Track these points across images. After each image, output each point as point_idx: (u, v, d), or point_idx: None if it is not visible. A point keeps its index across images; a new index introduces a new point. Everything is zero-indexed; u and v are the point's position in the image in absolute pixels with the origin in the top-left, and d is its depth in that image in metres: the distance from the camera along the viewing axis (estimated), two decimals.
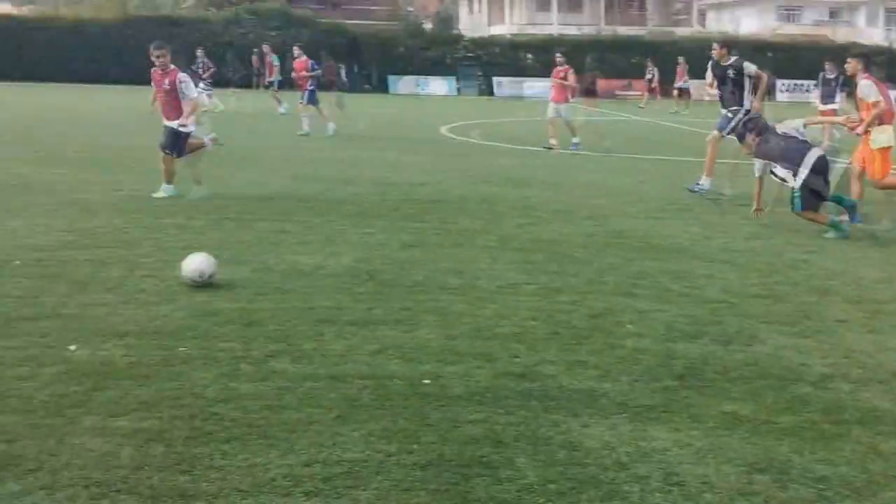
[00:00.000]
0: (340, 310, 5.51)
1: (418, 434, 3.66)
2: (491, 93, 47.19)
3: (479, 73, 48.81)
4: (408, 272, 6.59)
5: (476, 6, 64.72)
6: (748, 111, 10.86)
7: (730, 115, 11.13)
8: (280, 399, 4.01)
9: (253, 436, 3.59)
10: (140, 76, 28.10)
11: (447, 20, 65.16)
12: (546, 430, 3.74)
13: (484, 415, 3.89)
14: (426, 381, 4.28)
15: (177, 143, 9.98)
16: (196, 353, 4.58)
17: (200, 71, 26.25)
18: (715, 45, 11.62)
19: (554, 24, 56.38)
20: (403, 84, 47.30)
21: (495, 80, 48.01)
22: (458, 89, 48.15)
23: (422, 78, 47.65)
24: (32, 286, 5.79)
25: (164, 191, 9.89)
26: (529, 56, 47.80)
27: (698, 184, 11.26)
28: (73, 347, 4.60)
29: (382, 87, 46.93)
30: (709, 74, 12.14)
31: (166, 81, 9.93)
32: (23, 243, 7.16)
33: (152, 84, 10.32)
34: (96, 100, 29.99)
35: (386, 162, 14.40)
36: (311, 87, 19.98)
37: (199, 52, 26.98)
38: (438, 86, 47.73)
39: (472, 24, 62.57)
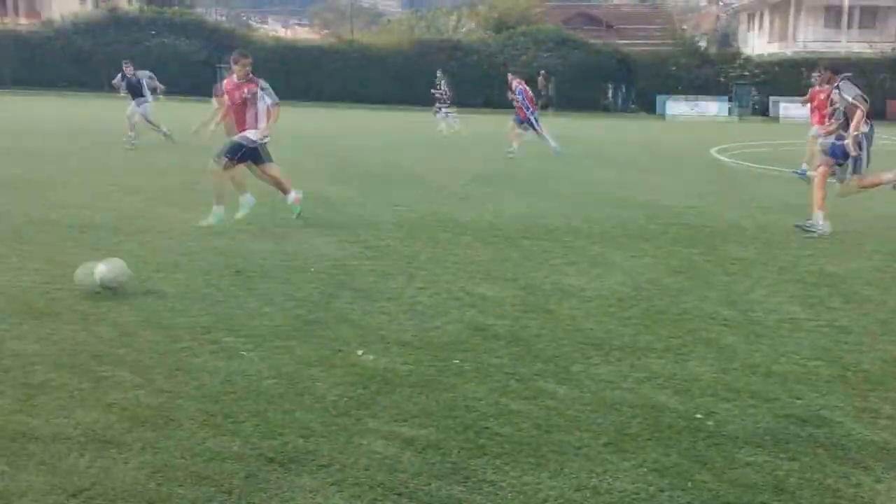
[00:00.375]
0: (607, 333, 5.47)
1: (692, 471, 3.54)
2: (766, 114, 44.75)
3: (756, 94, 46.49)
4: (676, 299, 6.41)
5: (757, 23, 61.60)
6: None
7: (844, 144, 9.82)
8: (549, 420, 4.05)
9: (524, 454, 3.65)
10: (423, 99, 30.07)
11: (725, 38, 62.73)
12: (834, 482, 3.47)
13: (763, 458, 3.67)
14: (698, 416, 4.13)
15: (236, 152, 9.09)
16: (468, 367, 4.75)
17: (443, 95, 27.97)
18: (825, 72, 10.67)
19: (843, 42, 52.22)
20: (673, 104, 46.17)
21: (772, 100, 45.44)
22: (731, 110, 46.18)
23: (693, 98, 46.25)
24: (325, 292, 6.32)
25: (245, 206, 9.35)
26: (815, 75, 44.64)
27: None
28: (360, 352, 4.95)
29: (650, 108, 46.14)
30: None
31: (245, 90, 9.10)
32: (317, 253, 7.83)
33: (219, 96, 9.43)
34: (382, 121, 32.15)
35: (653, 185, 14.11)
36: (534, 115, 20.44)
37: (439, 74, 28.57)
38: (710, 106, 46.07)
39: (753, 41, 59.65)
